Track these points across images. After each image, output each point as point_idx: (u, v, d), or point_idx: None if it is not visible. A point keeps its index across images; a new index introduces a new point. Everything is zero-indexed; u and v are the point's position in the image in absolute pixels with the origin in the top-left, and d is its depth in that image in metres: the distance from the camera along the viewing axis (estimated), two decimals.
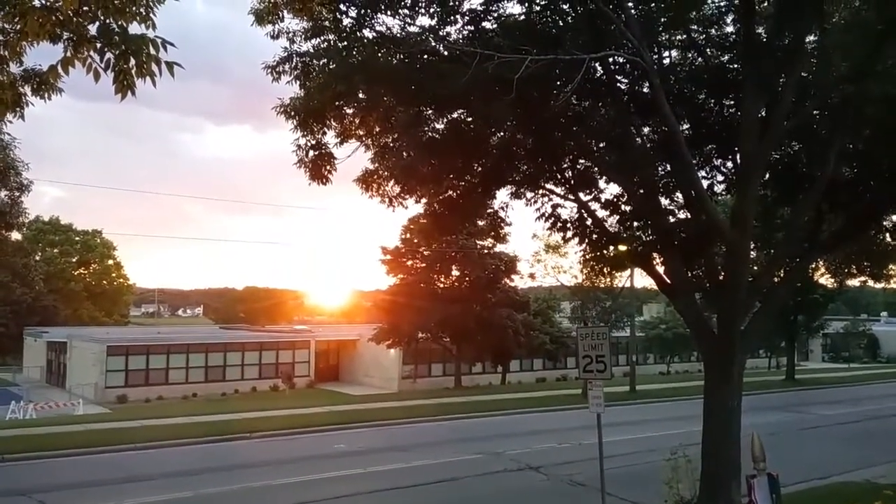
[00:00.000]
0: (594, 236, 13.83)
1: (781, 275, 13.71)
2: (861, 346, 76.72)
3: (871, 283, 40.32)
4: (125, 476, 17.13)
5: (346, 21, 10.90)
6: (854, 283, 40.63)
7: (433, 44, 10.94)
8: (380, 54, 10.81)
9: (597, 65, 11.32)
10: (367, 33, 11.01)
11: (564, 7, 11.36)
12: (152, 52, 4.76)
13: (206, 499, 14.87)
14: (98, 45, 4.86)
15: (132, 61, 4.79)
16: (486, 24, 11.19)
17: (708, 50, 12.64)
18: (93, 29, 4.94)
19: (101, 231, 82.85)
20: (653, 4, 11.41)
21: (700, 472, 11.68)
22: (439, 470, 17.54)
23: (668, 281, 13.09)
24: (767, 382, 42.43)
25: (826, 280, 40.46)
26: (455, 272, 44.07)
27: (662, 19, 11.42)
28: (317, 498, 14.83)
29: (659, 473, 12.01)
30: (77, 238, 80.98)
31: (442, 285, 44.07)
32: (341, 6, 10.75)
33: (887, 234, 15.75)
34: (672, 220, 13.51)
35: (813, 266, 29.39)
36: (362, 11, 10.86)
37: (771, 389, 38.68)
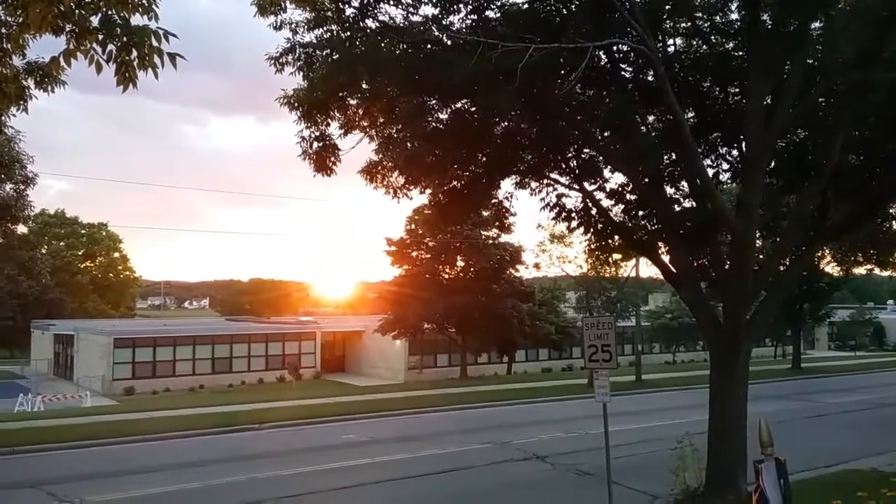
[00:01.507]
0: (599, 226, 13.82)
1: (787, 263, 13.69)
2: (867, 335, 76.65)
3: (877, 270, 40.31)
4: (133, 467, 17.21)
5: (348, 11, 10.89)
6: (860, 271, 40.56)
7: (436, 33, 10.90)
8: (383, 44, 10.78)
9: (601, 53, 11.30)
10: (370, 23, 10.99)
11: None
12: (154, 43, 4.75)
13: (213, 489, 14.93)
14: (100, 37, 4.86)
15: (134, 53, 4.78)
16: (490, 13, 11.15)
17: (713, 37, 12.59)
18: (95, 20, 4.93)
19: (107, 224, 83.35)
20: None
21: (706, 460, 11.69)
22: (446, 459, 17.58)
23: (674, 270, 13.08)
24: (773, 371, 42.41)
25: (832, 268, 40.41)
26: (460, 263, 44.09)
27: (667, 7, 11.35)
28: (325, 488, 14.88)
29: (665, 462, 12.02)
30: (83, 231, 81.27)
31: (447, 276, 44.10)
32: None
33: (893, 222, 15.71)
34: (677, 208, 13.49)
35: (819, 254, 29.36)
36: (365, 1, 10.83)
37: (777, 378, 38.67)
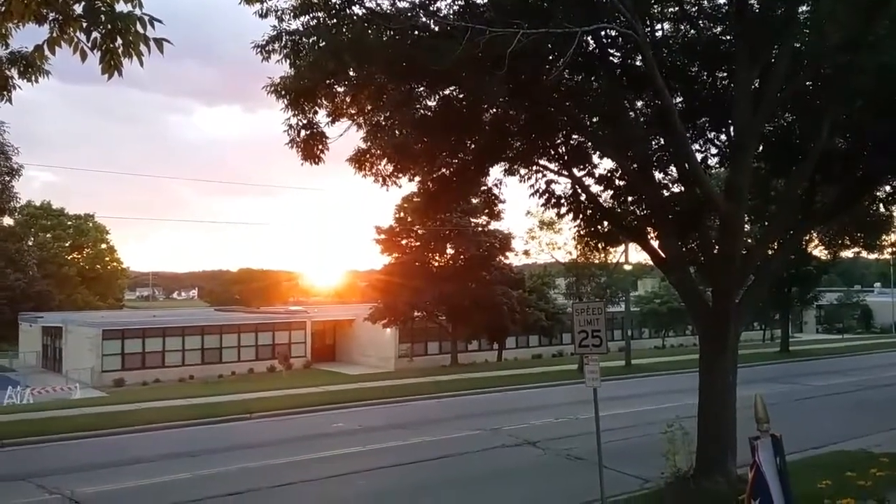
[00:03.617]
0: (588, 212, 13.82)
1: (775, 247, 13.72)
2: (855, 317, 77.29)
3: (864, 254, 40.64)
4: (123, 458, 17.17)
5: None
6: (847, 254, 40.80)
7: (423, 19, 10.83)
8: (370, 31, 10.70)
9: (589, 38, 11.24)
10: (357, 10, 10.89)
11: None
12: (139, 30, 4.69)
13: (204, 479, 14.92)
14: (84, 25, 4.79)
15: (119, 40, 4.72)
16: None
17: (700, 22, 12.55)
18: (79, 8, 4.86)
19: (94, 215, 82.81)
20: None
21: (696, 444, 11.76)
22: (438, 446, 17.63)
23: (663, 255, 13.10)
24: (762, 354, 42.66)
25: (820, 252, 40.54)
26: (450, 250, 44.11)
27: None
28: (316, 476, 14.90)
29: (656, 446, 12.08)
30: (69, 222, 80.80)
31: (437, 264, 44.12)
32: None
33: (881, 205, 15.76)
34: (666, 194, 13.50)
35: (807, 238, 29.46)
36: None
37: (765, 361, 38.88)
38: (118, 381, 41.32)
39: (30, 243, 70.52)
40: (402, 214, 43.43)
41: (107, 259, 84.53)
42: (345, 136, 12.17)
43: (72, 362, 45.04)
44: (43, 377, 44.75)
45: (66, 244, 79.61)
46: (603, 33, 11.36)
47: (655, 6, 12.02)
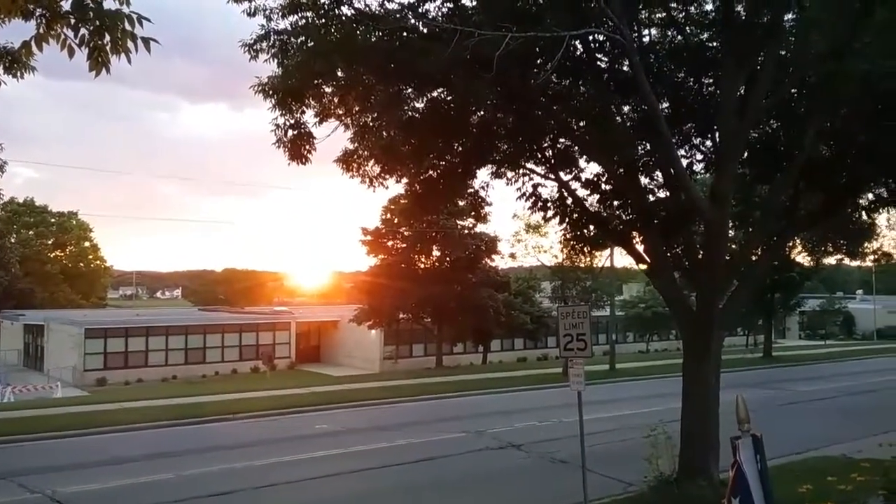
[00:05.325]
0: (574, 216, 13.85)
1: (759, 253, 13.81)
2: (837, 324, 77.81)
3: (847, 261, 40.93)
4: (105, 458, 17.06)
5: None
6: (830, 261, 41.09)
7: (412, 21, 10.84)
8: (358, 32, 10.70)
9: (577, 43, 11.28)
10: (346, 10, 10.89)
11: None
12: (127, 27, 4.67)
13: (187, 480, 14.84)
14: (72, 21, 4.77)
15: (107, 37, 4.70)
16: (466, 1, 11.11)
17: (687, 28, 12.63)
18: (66, 4, 4.84)
19: (77, 212, 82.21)
20: None
21: (679, 448, 11.81)
22: (421, 449, 17.62)
23: (648, 260, 13.16)
24: (745, 360, 42.88)
25: (803, 258, 40.88)
26: (436, 252, 44.05)
27: None
28: (299, 478, 14.85)
29: (639, 450, 12.13)
30: (53, 220, 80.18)
31: (423, 266, 44.06)
32: None
33: (863, 212, 15.90)
34: (652, 198, 13.56)
35: (790, 244, 29.67)
36: None
37: (749, 367, 39.13)
38: (100, 380, 41.03)
39: (12, 240, 69.80)
40: (388, 216, 43.37)
41: (90, 257, 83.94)
42: (332, 137, 12.16)
43: (54, 361, 44.69)
44: (24, 375, 44.38)
45: (49, 242, 78.98)
46: (591, 38, 11.42)
47: (643, 11, 12.09)
